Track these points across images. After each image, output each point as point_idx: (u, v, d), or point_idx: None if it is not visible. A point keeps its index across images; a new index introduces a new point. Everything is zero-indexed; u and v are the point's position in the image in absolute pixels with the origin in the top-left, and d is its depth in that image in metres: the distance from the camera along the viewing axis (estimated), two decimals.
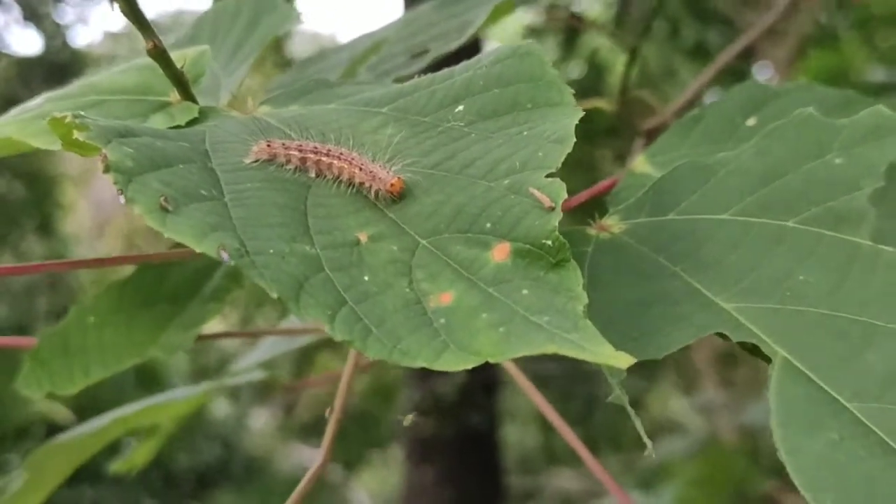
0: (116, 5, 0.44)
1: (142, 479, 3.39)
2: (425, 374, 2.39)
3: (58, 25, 4.31)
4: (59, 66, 4.18)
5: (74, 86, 0.53)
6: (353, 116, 0.44)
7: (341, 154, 0.40)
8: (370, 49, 0.76)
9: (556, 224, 0.34)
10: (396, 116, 0.43)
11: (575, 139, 0.37)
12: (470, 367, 0.33)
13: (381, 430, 3.99)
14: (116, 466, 0.88)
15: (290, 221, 0.37)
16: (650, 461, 2.50)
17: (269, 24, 0.61)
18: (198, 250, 0.34)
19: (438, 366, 0.33)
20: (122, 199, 0.36)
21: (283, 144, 0.41)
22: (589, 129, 2.44)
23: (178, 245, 0.35)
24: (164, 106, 0.48)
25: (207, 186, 0.38)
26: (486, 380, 2.61)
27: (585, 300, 0.33)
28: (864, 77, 2.65)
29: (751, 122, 0.56)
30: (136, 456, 0.88)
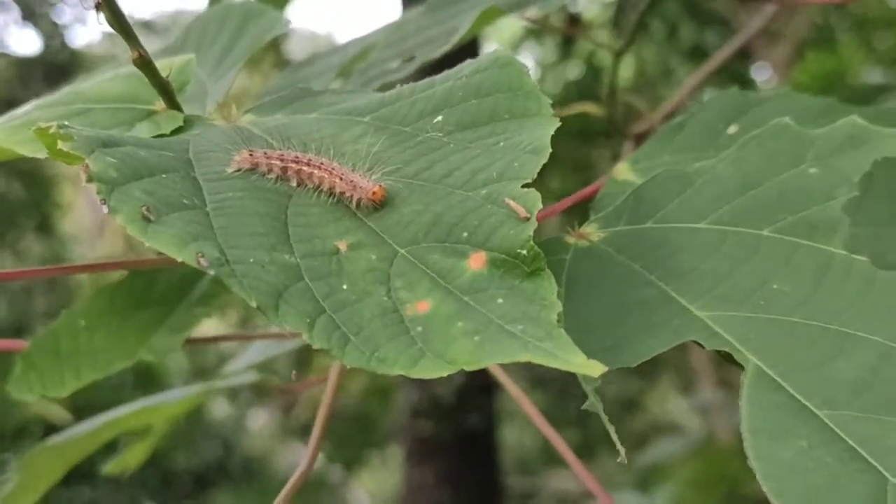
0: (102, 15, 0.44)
1: (140, 479, 3.40)
2: None
3: (56, 25, 4.31)
4: (57, 66, 4.18)
5: (62, 93, 0.54)
6: (335, 126, 0.45)
7: (322, 164, 0.40)
8: (359, 54, 0.77)
9: (531, 234, 0.35)
10: (378, 126, 0.44)
11: (551, 150, 0.38)
12: (446, 374, 0.33)
13: (379, 430, 3.99)
14: (109, 467, 0.89)
15: (271, 230, 0.37)
16: (647, 461, 2.50)
17: (257, 32, 0.61)
18: (178, 259, 0.35)
19: (415, 373, 0.33)
20: (105, 209, 0.36)
21: (265, 154, 0.41)
22: (584, 129, 2.44)
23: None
24: (149, 114, 0.49)
25: (190, 195, 0.38)
26: (484, 381, 2.61)
27: (559, 309, 0.33)
28: (861, 79, 2.66)
29: (732, 129, 0.56)
30: (129, 457, 0.89)
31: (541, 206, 0.36)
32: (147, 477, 3.45)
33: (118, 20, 0.45)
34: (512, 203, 0.36)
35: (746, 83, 2.76)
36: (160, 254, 0.36)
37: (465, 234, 0.36)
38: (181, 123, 0.47)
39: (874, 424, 0.34)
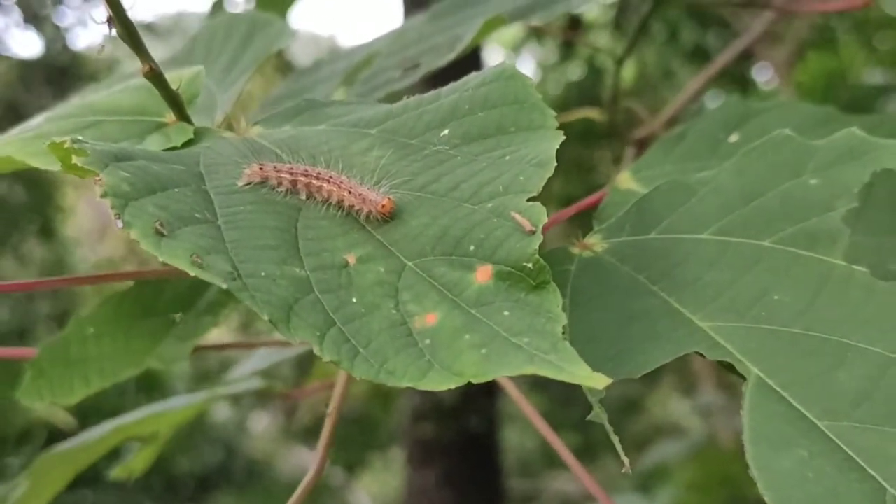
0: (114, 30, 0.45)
1: (143, 482, 3.39)
2: None
3: (58, 28, 4.32)
4: (59, 68, 4.19)
5: (73, 105, 0.54)
6: (343, 138, 0.46)
7: (331, 177, 0.41)
8: (363, 62, 0.77)
9: (536, 247, 0.36)
10: (385, 138, 0.44)
11: (556, 163, 0.39)
12: (454, 386, 0.34)
13: (381, 433, 4.00)
14: (115, 472, 0.89)
15: (282, 244, 0.38)
16: (649, 463, 2.50)
17: (263, 42, 0.62)
18: (191, 273, 0.35)
19: (423, 385, 0.34)
20: (119, 224, 0.37)
21: (275, 167, 0.42)
22: (587, 133, 2.45)
23: None
24: (160, 126, 0.49)
25: (201, 209, 0.39)
26: (486, 384, 2.61)
27: (564, 321, 0.34)
28: (861, 79, 2.66)
29: (733, 138, 0.57)
30: (135, 463, 0.89)
31: (546, 219, 0.36)
32: (150, 480, 3.46)
33: (130, 34, 0.45)
34: (518, 216, 0.37)
35: (748, 84, 2.76)
36: (166, 263, 0.36)
37: (472, 248, 0.37)
38: (191, 136, 0.47)
39: (873, 435, 0.35)
